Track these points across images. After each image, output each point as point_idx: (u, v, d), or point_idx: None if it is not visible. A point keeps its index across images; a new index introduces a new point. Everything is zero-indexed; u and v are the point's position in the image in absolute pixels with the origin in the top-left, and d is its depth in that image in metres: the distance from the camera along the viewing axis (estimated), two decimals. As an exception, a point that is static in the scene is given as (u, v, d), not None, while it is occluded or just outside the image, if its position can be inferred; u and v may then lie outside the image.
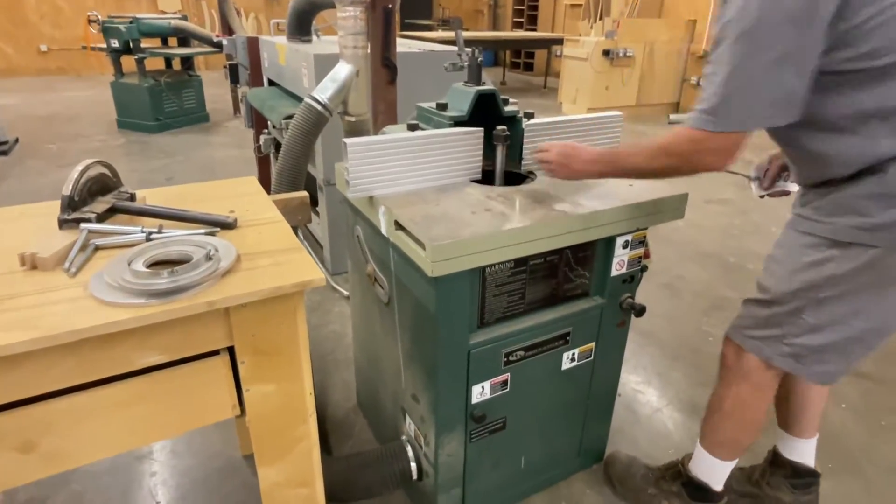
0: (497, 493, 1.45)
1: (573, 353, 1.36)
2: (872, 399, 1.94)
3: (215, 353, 0.89)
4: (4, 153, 4.56)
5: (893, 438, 1.77)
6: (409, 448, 1.38)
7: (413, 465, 1.36)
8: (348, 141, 1.16)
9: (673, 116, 6.56)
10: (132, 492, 1.52)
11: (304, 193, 1.42)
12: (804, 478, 1.43)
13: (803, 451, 1.42)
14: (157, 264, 0.87)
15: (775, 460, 1.46)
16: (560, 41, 7.53)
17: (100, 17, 5.27)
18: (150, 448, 1.66)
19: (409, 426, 1.38)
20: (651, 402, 1.93)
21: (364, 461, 1.38)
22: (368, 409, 1.77)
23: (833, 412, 1.88)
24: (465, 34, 7.87)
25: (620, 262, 1.31)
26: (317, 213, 2.76)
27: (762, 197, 1.49)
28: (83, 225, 0.93)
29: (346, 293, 2.53)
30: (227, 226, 1.02)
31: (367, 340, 1.61)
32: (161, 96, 5.35)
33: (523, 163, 1.40)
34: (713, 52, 0.98)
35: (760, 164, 1.48)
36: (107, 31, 5.09)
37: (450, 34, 8.21)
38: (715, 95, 0.96)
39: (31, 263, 0.87)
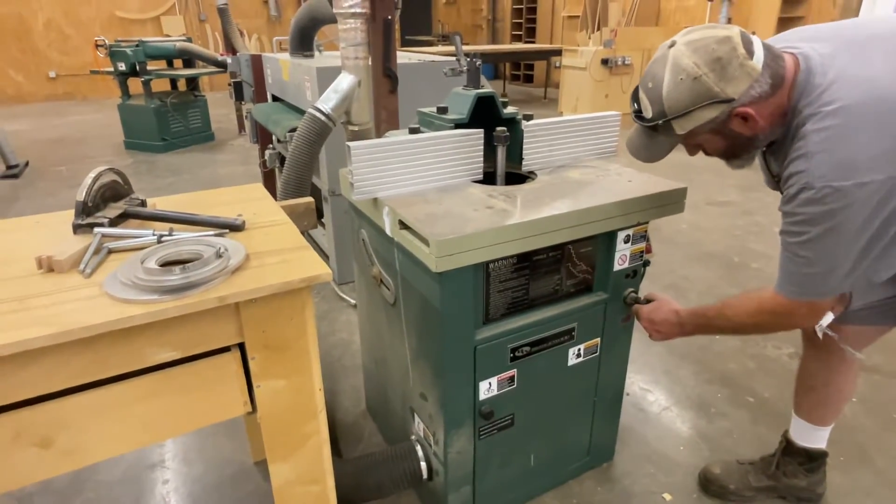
0: (507, 491, 1.45)
1: (579, 349, 1.37)
2: (883, 392, 1.93)
3: (226, 349, 0.91)
4: (15, 176, 4.64)
5: (905, 430, 1.76)
6: (418, 448, 1.39)
7: (423, 464, 1.37)
8: (352, 144, 1.19)
9: (673, 122, 6.58)
10: (145, 500, 1.53)
11: (310, 199, 1.45)
12: (817, 460, 1.43)
13: (819, 438, 1.42)
14: (168, 264, 0.90)
15: (789, 449, 1.45)
16: (559, 52, 7.60)
17: (107, 41, 5.39)
18: (161, 456, 1.68)
19: (419, 426, 1.39)
20: (659, 401, 1.93)
21: (374, 462, 1.39)
22: (378, 412, 1.78)
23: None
24: (465, 48, 7.97)
25: (622, 256, 1.33)
26: (322, 225, 2.79)
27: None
28: (97, 229, 0.96)
29: (352, 302, 2.55)
30: (235, 227, 1.05)
31: (374, 343, 1.63)
32: (167, 117, 5.45)
33: (524, 163, 1.43)
34: (797, 231, 1.01)
35: None
36: (114, 55, 5.20)
37: (449, 48, 8.32)
38: (799, 273, 1.04)
39: (48, 266, 0.89)
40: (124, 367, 0.83)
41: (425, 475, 1.37)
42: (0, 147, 4.62)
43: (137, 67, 5.21)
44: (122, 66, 5.22)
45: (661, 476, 1.60)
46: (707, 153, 1.17)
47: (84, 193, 0.99)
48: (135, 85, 5.35)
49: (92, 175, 1.01)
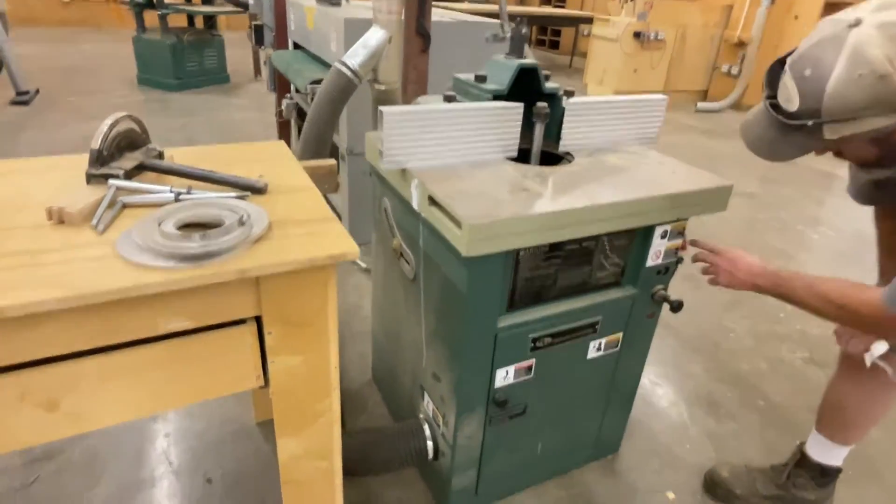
0: (511, 477, 1.43)
1: (600, 343, 1.32)
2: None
3: (242, 321, 0.86)
4: (25, 103, 4.54)
5: (916, 448, 1.74)
6: (426, 426, 1.36)
7: (430, 443, 1.34)
8: (385, 109, 1.11)
9: (701, 105, 6.39)
10: (146, 451, 1.52)
11: (333, 161, 1.37)
12: (830, 476, 1.40)
13: (838, 455, 1.39)
14: (187, 226, 0.84)
15: (803, 461, 1.42)
16: (589, 20, 7.32)
17: (124, -31, 5.18)
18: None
19: (428, 405, 1.36)
20: (669, 395, 1.90)
21: (381, 437, 1.37)
22: (384, 384, 1.76)
23: (855, 417, 1.84)
24: (488, 6, 7.64)
25: (657, 252, 1.27)
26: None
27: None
28: (111, 181, 0.90)
29: (364, 266, 2.50)
30: (257, 190, 0.98)
31: (387, 315, 1.59)
32: (183, 54, 5.29)
33: (562, 143, 1.35)
34: None
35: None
36: (131, -16, 5.00)
37: (477, 7, 8.02)
38: None
39: (59, 218, 0.84)
40: (135, 333, 0.78)
41: (431, 455, 1.35)
42: (10, 71, 4.50)
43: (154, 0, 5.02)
44: (138, -2, 5.03)
45: (665, 473, 1.58)
46: (843, 158, 1.02)
47: (100, 141, 0.92)
48: (151, 18, 5.17)
49: (109, 121, 0.94)
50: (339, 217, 2.79)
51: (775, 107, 0.95)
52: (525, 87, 1.32)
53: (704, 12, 6.43)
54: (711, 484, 1.51)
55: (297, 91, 2.99)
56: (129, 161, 0.97)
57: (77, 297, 0.69)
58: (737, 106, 6.43)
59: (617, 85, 6.24)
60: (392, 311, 1.52)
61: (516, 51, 1.34)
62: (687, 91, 6.73)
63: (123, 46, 6.05)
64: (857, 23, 0.83)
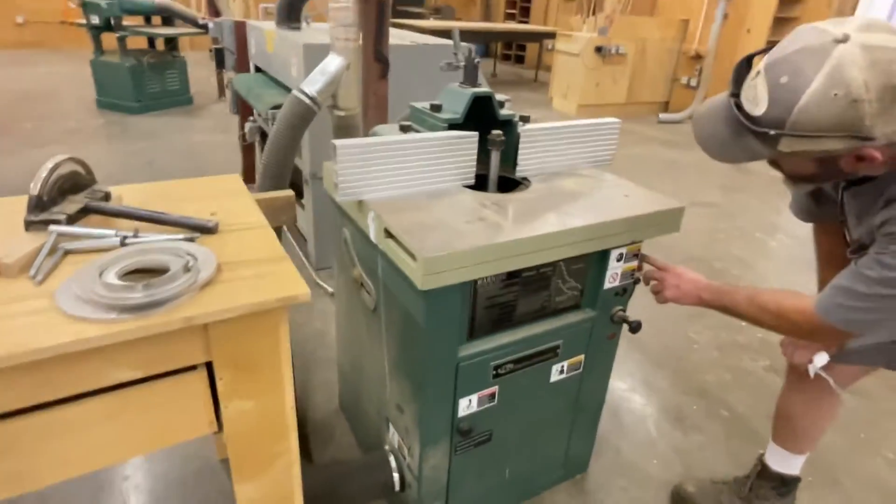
0: (480, 503, 1.42)
1: (562, 366, 1.33)
2: (853, 413, 1.96)
3: (192, 367, 0.84)
4: (-24, 130, 4.39)
5: (872, 451, 1.79)
6: (391, 458, 1.34)
7: (396, 475, 1.33)
8: (338, 143, 1.11)
9: (662, 116, 6.57)
10: (103, 497, 1.47)
11: (290, 193, 1.36)
12: (790, 485, 1.44)
13: (795, 464, 1.42)
14: (131, 273, 0.82)
15: (763, 473, 1.45)
16: (552, 35, 7.48)
17: (79, -9, 5.08)
18: (122, 449, 1.61)
19: (393, 436, 1.35)
20: (636, 410, 1.92)
21: (346, 471, 1.34)
22: (351, 412, 1.74)
23: (814, 424, 1.89)
24: (456, 24, 7.75)
25: (614, 274, 1.29)
26: (302, 206, 2.70)
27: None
28: (52, 227, 0.87)
29: (330, 290, 2.48)
30: (207, 230, 0.97)
31: (351, 344, 1.57)
32: (143, 76, 5.19)
33: (518, 168, 1.36)
34: (891, 280, 0.90)
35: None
36: (86, 7, 4.90)
37: (440, 24, 8.12)
38: (856, 311, 0.96)
39: (-6, 269, 0.81)
40: (78, 388, 0.76)
41: (398, 487, 1.33)
42: (-39, 98, 4.35)
43: (112, 22, 4.93)
44: (95, 20, 4.93)
45: (633, 490, 1.59)
46: (777, 168, 1.02)
47: (39, 186, 0.89)
48: (109, 40, 5.07)
49: (49, 165, 0.91)
50: (305, 240, 2.77)
51: (740, 108, 0.92)
52: (480, 113, 1.34)
53: (662, 27, 6.63)
54: (678, 499, 1.53)
55: (260, 115, 2.96)
56: (73, 205, 0.94)
57: (11, 356, 0.66)
58: (696, 116, 6.60)
59: (580, 98, 6.37)
60: (355, 340, 1.50)
61: (470, 79, 1.36)
62: (648, 103, 6.91)
63: (81, 68, 5.92)
64: (844, 39, 0.81)
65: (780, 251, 3.27)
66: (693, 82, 6.63)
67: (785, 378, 1.38)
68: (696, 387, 2.06)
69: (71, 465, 0.81)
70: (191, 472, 1.56)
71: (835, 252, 1.27)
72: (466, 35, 6.56)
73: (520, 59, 10.62)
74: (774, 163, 1.02)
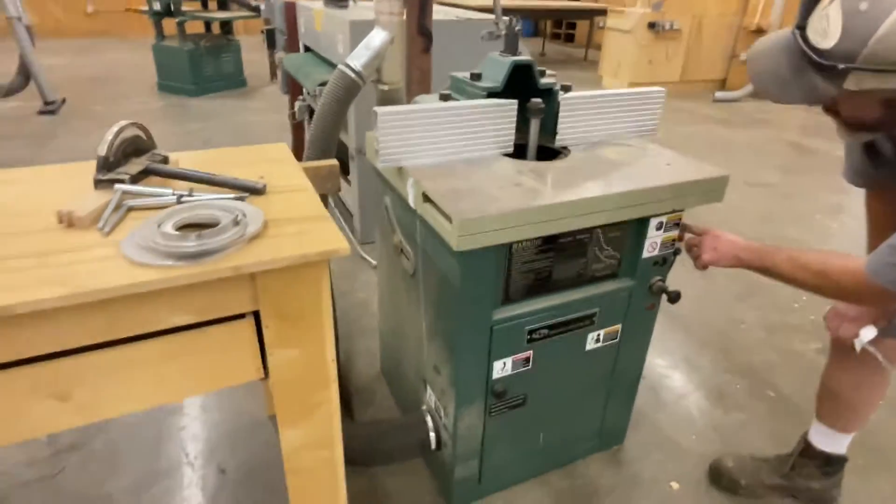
0: (514, 467, 1.46)
1: (599, 335, 1.34)
2: (911, 397, 1.87)
3: (241, 316, 0.91)
4: (52, 112, 4.70)
5: (931, 439, 1.71)
6: (428, 418, 1.39)
7: (432, 434, 1.38)
8: (379, 110, 1.15)
9: (719, 94, 6.29)
10: (163, 443, 1.59)
11: (334, 161, 1.41)
12: (836, 465, 1.40)
13: (841, 443, 1.38)
14: (186, 227, 0.89)
15: (807, 451, 1.42)
16: (604, 12, 7.24)
17: (142, -22, 5.32)
18: (181, 404, 1.73)
19: (430, 397, 1.40)
20: (676, 388, 1.90)
21: (385, 429, 1.40)
22: (391, 377, 1.80)
23: (868, 408, 1.81)
24: (505, 2, 7.62)
25: (653, 243, 1.28)
26: (348, 182, 2.77)
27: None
28: (117, 186, 0.95)
29: (374, 262, 2.55)
30: (256, 191, 1.03)
31: (392, 310, 1.62)
32: (200, 60, 5.41)
33: (558, 137, 1.36)
34: None
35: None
36: (149, -7, 5.13)
37: (487, 1, 7.98)
38: None
39: (69, 221, 0.89)
40: (139, 328, 0.83)
41: (434, 446, 1.38)
42: (38, 82, 4.66)
43: (172, 7, 5.14)
44: (156, 6, 5.16)
45: (669, 464, 1.59)
46: (834, 114, 0.94)
47: (105, 148, 0.97)
48: (169, 26, 5.30)
49: (114, 129, 0.99)
50: (351, 215, 2.85)
51: (805, 40, 0.85)
52: (521, 83, 1.34)
53: (721, 1, 6.32)
54: (716, 474, 1.51)
55: (309, 93, 3.04)
56: (135, 166, 1.02)
57: (80, 294, 0.73)
58: (756, 94, 6.30)
59: (632, 76, 6.17)
60: (395, 306, 1.55)
61: (511, 48, 1.36)
62: (704, 81, 6.62)
63: (144, 55, 6.21)
64: None
65: (840, 233, 3.11)
66: None
67: (829, 354, 1.33)
68: (740, 366, 2.01)
69: (132, 400, 0.89)
70: (242, 426, 1.66)
71: (888, 222, 1.21)
72: (514, 13, 6.44)
73: (570, 38, 10.36)
74: (832, 109, 0.93)
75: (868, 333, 1.13)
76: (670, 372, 1.97)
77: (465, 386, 1.23)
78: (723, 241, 1.20)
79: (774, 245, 1.16)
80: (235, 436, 1.63)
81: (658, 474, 1.55)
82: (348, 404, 1.74)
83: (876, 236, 1.27)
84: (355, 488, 1.44)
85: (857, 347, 1.16)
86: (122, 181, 0.96)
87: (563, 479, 1.51)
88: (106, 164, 0.97)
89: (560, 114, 1.34)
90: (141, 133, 1.06)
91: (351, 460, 1.34)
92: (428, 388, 1.40)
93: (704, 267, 1.25)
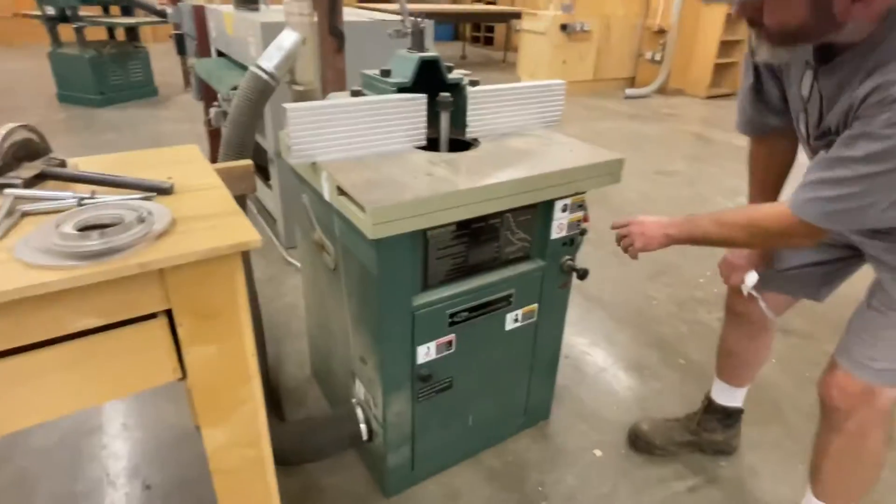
0: (446, 450, 1.50)
1: (517, 314, 1.41)
2: (797, 353, 2.08)
3: (153, 316, 0.89)
4: (-67, 128, 4.29)
5: (813, 388, 1.90)
6: (358, 410, 1.41)
7: (363, 426, 1.40)
8: (289, 106, 1.16)
9: (629, 91, 6.67)
10: (81, 465, 1.51)
11: (248, 162, 1.41)
12: (734, 416, 1.55)
13: (737, 397, 1.54)
14: (88, 228, 0.87)
15: (710, 407, 1.56)
16: (519, 15, 7.50)
17: (33, -19, 4.96)
18: (99, 421, 1.65)
19: (359, 389, 1.41)
20: (597, 363, 2.02)
21: (315, 424, 1.41)
22: (322, 377, 1.80)
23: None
24: (425, 7, 7.71)
25: (560, 225, 1.36)
26: (269, 186, 2.72)
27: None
28: (7, 190, 0.91)
29: (299, 266, 2.52)
30: (163, 191, 1.01)
31: (317, 308, 1.63)
32: (105, 68, 5.11)
33: (468, 129, 1.42)
34: (862, 158, 0.87)
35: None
36: (41, -3, 4.80)
37: (409, 6, 8.03)
38: (838, 201, 0.92)
39: (-46, 229, 0.84)
40: (43, 334, 0.80)
41: (365, 437, 1.40)
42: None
43: (68, 13, 4.83)
44: (50, 11, 4.83)
45: (593, 434, 1.69)
46: (759, 27, 0.93)
47: (-6, 152, 0.93)
48: (66, 32, 4.97)
49: (2, 132, 0.95)
50: (274, 220, 2.80)
51: None
52: (430, 78, 1.39)
53: (625, 3, 6.71)
54: (634, 438, 1.63)
55: (224, 98, 2.97)
56: (28, 170, 0.98)
57: (-27, 299, 0.70)
58: (662, 90, 6.74)
59: (548, 76, 6.41)
60: (321, 303, 1.56)
61: (418, 45, 1.41)
62: (615, 79, 7.00)
63: (40, 63, 5.79)
64: None
65: (738, 213, 3.39)
66: (658, 57, 6.73)
67: (724, 316, 1.48)
68: (654, 339, 2.16)
69: (37, 411, 0.85)
70: (167, 439, 1.61)
71: (770, 165, 1.32)
72: (434, 17, 6.57)
73: (489, 41, 10.63)
74: (756, 20, 0.92)
75: (751, 279, 1.27)
76: (591, 349, 2.09)
77: (391, 373, 1.26)
78: (648, 225, 1.24)
79: (695, 214, 1.19)
80: (161, 450, 1.57)
81: (582, 444, 1.65)
82: (279, 407, 1.73)
83: (757, 182, 1.37)
84: (289, 488, 1.43)
85: (745, 292, 1.30)
86: (13, 185, 0.92)
87: (494, 458, 1.58)
88: (-5, 169, 0.92)
89: (468, 107, 1.40)
90: (33, 136, 1.02)
91: (283, 460, 1.34)
92: (356, 380, 1.42)
93: (636, 254, 1.27)
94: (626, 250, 1.29)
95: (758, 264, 1.30)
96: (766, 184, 1.35)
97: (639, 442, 1.61)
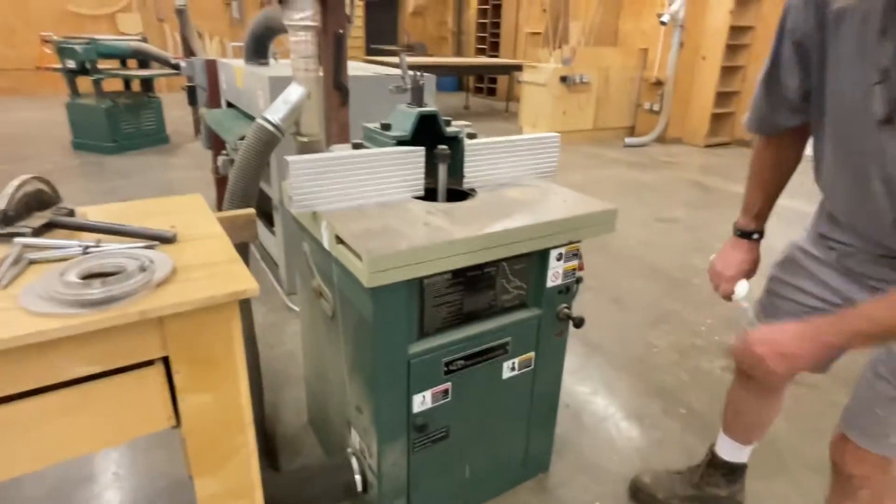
0: (442, 502, 1.47)
1: (513, 363, 1.41)
2: (803, 403, 2.05)
3: (150, 363, 0.91)
4: (-50, 174, 4.42)
5: (820, 440, 1.87)
6: (353, 460, 1.39)
7: (358, 476, 1.37)
8: (290, 158, 1.20)
9: (628, 140, 6.81)
10: (71, 515, 1.49)
11: (251, 210, 1.44)
12: (738, 472, 1.51)
13: (743, 454, 1.50)
14: (91, 277, 0.89)
15: (713, 462, 1.53)
16: (520, 67, 7.76)
17: (54, 37, 5.20)
18: (90, 471, 1.63)
19: (355, 438, 1.40)
20: (597, 412, 1.99)
21: (309, 475, 1.39)
22: (319, 425, 1.78)
23: (767, 417, 1.97)
24: (430, 60, 8.03)
25: (555, 273, 1.38)
26: (273, 233, 2.77)
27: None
28: (17, 239, 0.94)
29: (299, 311, 2.53)
30: (166, 240, 1.04)
31: (315, 355, 1.63)
32: (118, 117, 5.29)
33: (465, 180, 1.47)
34: None
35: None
36: (62, 52, 5.02)
37: (413, 60, 8.37)
38: None
39: (-38, 277, 0.87)
40: (39, 381, 0.81)
41: (360, 488, 1.38)
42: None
43: (88, 66, 5.05)
44: (70, 64, 5.05)
45: (593, 486, 1.65)
46: None
47: (6, 202, 0.96)
48: (84, 83, 5.18)
49: (15, 183, 0.99)
50: (277, 266, 2.84)
51: None
52: (429, 131, 1.45)
53: (623, 56, 6.95)
54: (635, 490, 1.59)
55: (231, 148, 3.06)
56: (38, 220, 1.01)
57: (-26, 347, 0.72)
58: (661, 139, 6.89)
59: (549, 126, 6.59)
60: (318, 350, 1.57)
61: (416, 99, 1.47)
62: (615, 128, 7.17)
63: (57, 113, 6.00)
64: None
65: (738, 261, 3.41)
66: (655, 107, 6.91)
67: (734, 375, 1.47)
68: (655, 388, 2.14)
69: (30, 458, 0.86)
70: (160, 490, 1.58)
71: (775, 170, 1.25)
72: (438, 69, 6.84)
73: (492, 92, 10.97)
74: None
75: (742, 288, 1.24)
76: (591, 398, 2.06)
77: (387, 422, 1.25)
78: (782, 343, 0.96)
79: (836, 312, 0.94)
80: (153, 499, 1.54)
81: (582, 496, 1.61)
82: (274, 455, 1.70)
83: (759, 182, 1.28)
84: (281, 541, 1.40)
85: (734, 302, 1.26)
86: (22, 234, 0.96)
87: (493, 511, 1.54)
88: (4, 219, 0.96)
89: (465, 159, 1.45)
90: (44, 187, 1.06)
91: (275, 510, 1.31)
92: (352, 429, 1.41)
93: (782, 377, 1.02)
94: (759, 375, 1.03)
95: (748, 273, 1.28)
96: (768, 185, 1.27)
97: (641, 495, 1.57)
